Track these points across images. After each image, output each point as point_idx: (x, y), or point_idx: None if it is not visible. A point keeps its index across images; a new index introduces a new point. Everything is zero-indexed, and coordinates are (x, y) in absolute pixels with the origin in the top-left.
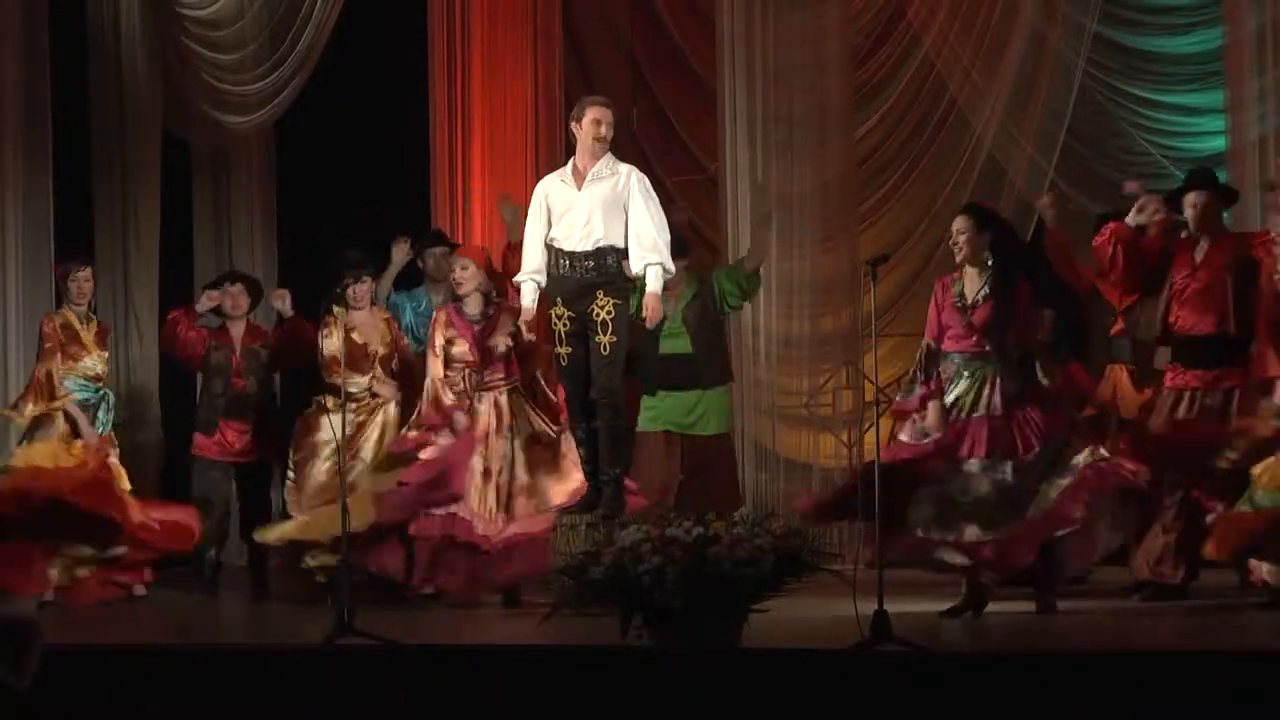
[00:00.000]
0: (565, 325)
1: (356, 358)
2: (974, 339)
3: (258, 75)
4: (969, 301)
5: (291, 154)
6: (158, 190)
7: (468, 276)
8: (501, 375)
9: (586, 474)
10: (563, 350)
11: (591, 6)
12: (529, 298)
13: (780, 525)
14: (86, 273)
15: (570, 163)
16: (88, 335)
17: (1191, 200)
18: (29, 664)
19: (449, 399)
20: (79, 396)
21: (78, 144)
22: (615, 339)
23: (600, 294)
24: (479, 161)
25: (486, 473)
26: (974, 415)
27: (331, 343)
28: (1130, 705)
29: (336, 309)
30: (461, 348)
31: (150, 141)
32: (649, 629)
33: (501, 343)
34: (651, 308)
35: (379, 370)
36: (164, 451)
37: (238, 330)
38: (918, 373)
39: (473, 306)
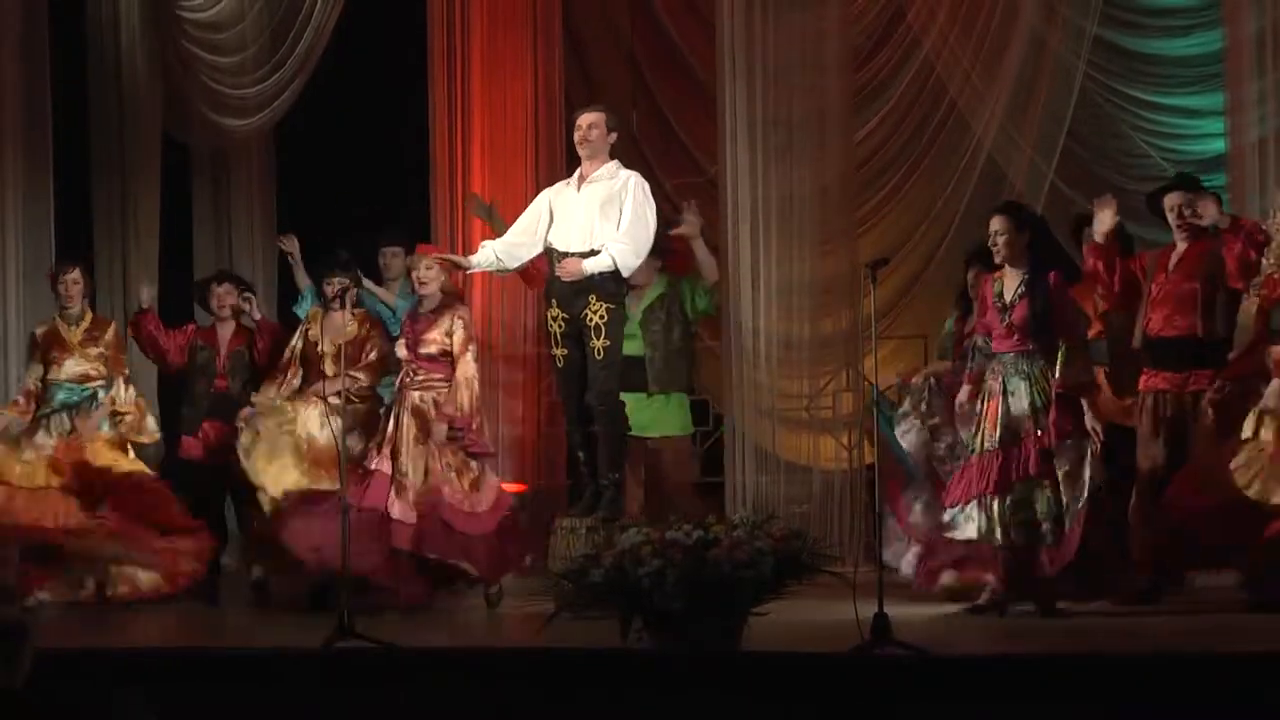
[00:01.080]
0: (560, 327)
1: (309, 356)
2: (1015, 338)
3: (257, 78)
4: (1007, 301)
5: (291, 155)
6: (157, 192)
7: (431, 276)
8: (440, 376)
9: (586, 478)
10: (558, 352)
11: (591, 8)
12: (481, 254)
13: (780, 528)
14: (75, 274)
15: (578, 169)
16: (73, 337)
17: (1169, 203)
18: (23, 663)
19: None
20: (60, 398)
21: (77, 146)
22: (609, 343)
23: (592, 298)
24: (479, 162)
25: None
26: (1041, 416)
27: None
28: (1129, 707)
29: (313, 308)
30: (400, 345)
31: (150, 144)
32: (649, 631)
33: (433, 343)
34: (568, 267)
35: (326, 366)
36: (162, 456)
37: (225, 331)
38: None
39: (428, 305)
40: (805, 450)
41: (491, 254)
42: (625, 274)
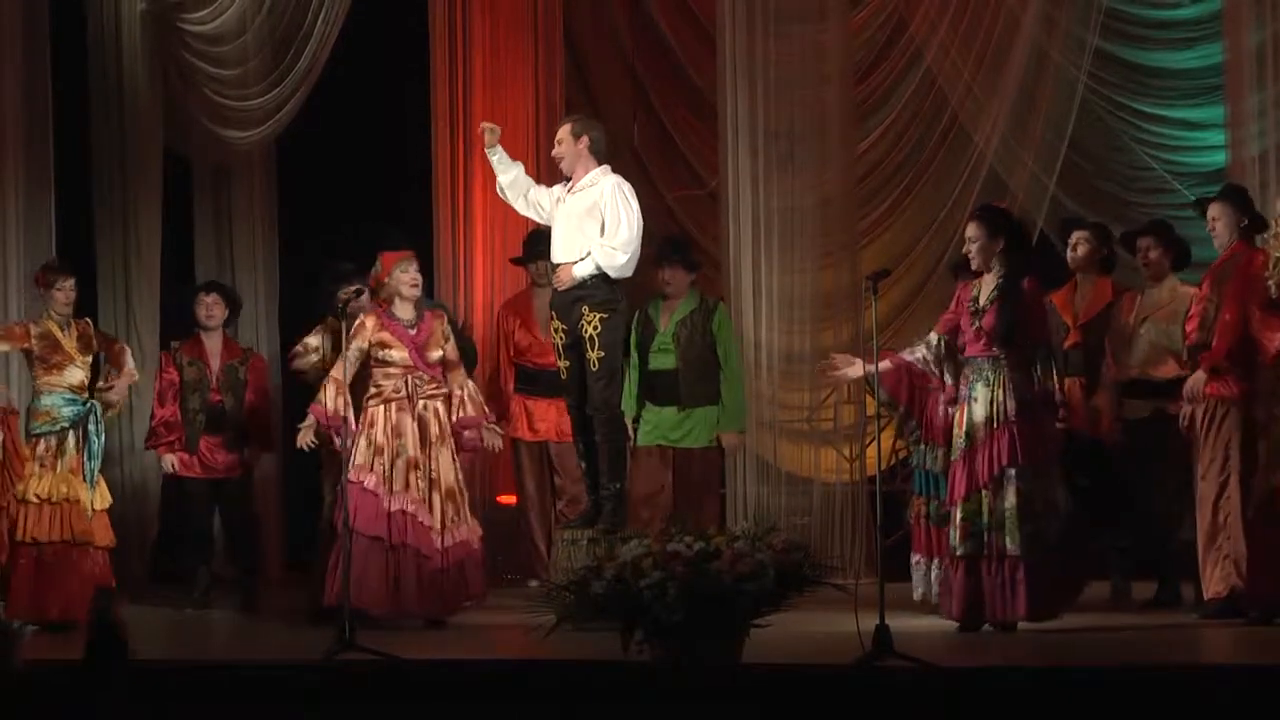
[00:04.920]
0: (561, 338)
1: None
2: (983, 343)
3: (260, 90)
4: (980, 305)
5: (293, 166)
6: (159, 207)
7: (419, 280)
8: (437, 385)
9: (587, 488)
10: (562, 363)
11: (592, 20)
12: (514, 166)
13: (781, 540)
14: (73, 281)
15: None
16: (70, 342)
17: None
18: (13, 660)
19: (334, 406)
20: (66, 412)
21: (78, 158)
22: (603, 354)
23: (585, 309)
24: (480, 173)
25: (434, 482)
26: (997, 425)
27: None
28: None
29: (331, 320)
30: (401, 352)
31: (151, 158)
32: (650, 644)
33: (439, 350)
34: (561, 275)
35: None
36: (162, 471)
37: (213, 343)
38: (927, 355)
39: (407, 311)
40: (806, 462)
41: (505, 179)
42: (611, 275)
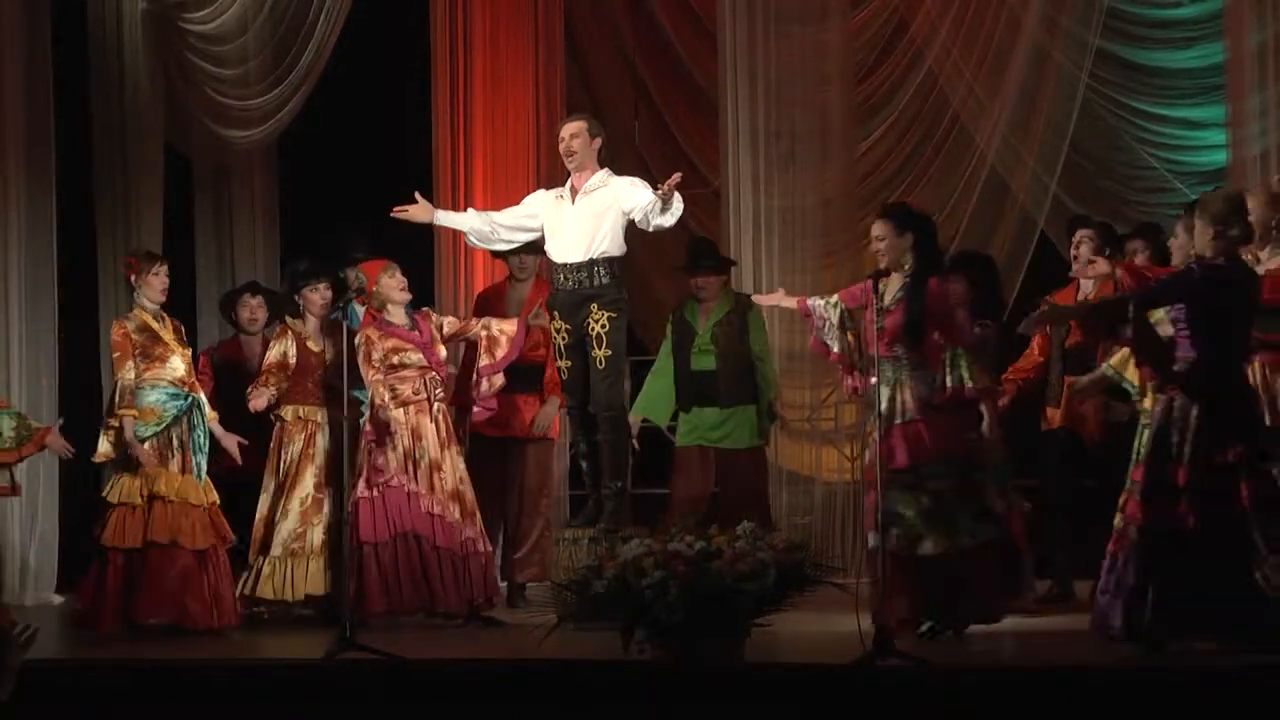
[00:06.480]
0: (564, 338)
1: (311, 366)
2: (884, 341)
3: (260, 90)
4: (885, 304)
5: (293, 168)
6: (160, 206)
7: (406, 283)
8: (443, 387)
9: (589, 488)
10: (563, 364)
11: (593, 19)
12: (462, 215)
13: (782, 539)
14: (168, 267)
15: (568, 181)
16: (167, 333)
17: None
18: (7, 676)
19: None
20: (171, 408)
21: (79, 160)
22: (610, 353)
23: (594, 307)
24: (481, 173)
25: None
26: (894, 424)
27: (275, 352)
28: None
29: (291, 320)
30: (417, 354)
31: (152, 157)
32: (651, 643)
33: (443, 348)
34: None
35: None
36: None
37: (252, 347)
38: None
39: (400, 316)
40: (807, 461)
41: (473, 221)
42: (673, 218)
